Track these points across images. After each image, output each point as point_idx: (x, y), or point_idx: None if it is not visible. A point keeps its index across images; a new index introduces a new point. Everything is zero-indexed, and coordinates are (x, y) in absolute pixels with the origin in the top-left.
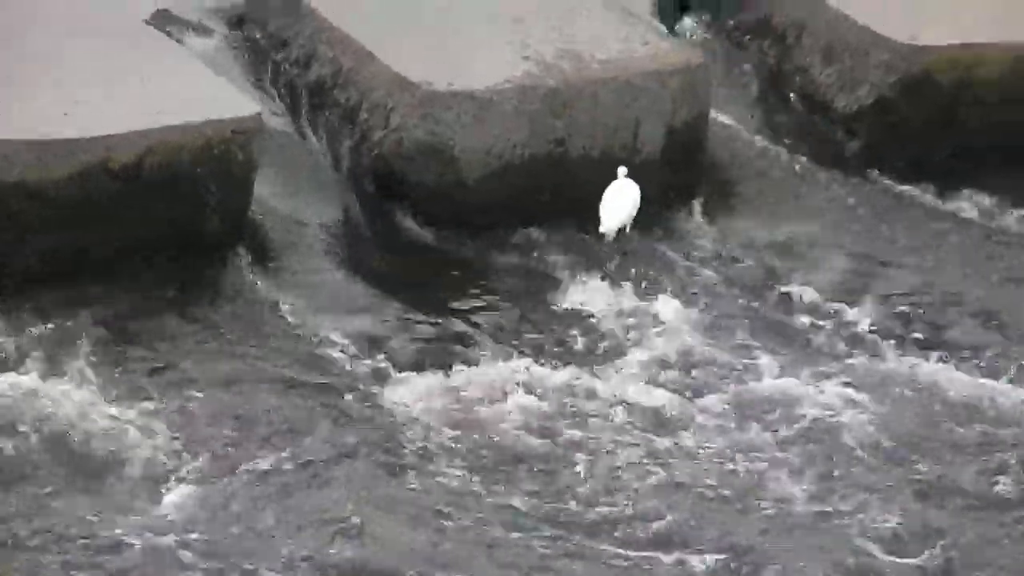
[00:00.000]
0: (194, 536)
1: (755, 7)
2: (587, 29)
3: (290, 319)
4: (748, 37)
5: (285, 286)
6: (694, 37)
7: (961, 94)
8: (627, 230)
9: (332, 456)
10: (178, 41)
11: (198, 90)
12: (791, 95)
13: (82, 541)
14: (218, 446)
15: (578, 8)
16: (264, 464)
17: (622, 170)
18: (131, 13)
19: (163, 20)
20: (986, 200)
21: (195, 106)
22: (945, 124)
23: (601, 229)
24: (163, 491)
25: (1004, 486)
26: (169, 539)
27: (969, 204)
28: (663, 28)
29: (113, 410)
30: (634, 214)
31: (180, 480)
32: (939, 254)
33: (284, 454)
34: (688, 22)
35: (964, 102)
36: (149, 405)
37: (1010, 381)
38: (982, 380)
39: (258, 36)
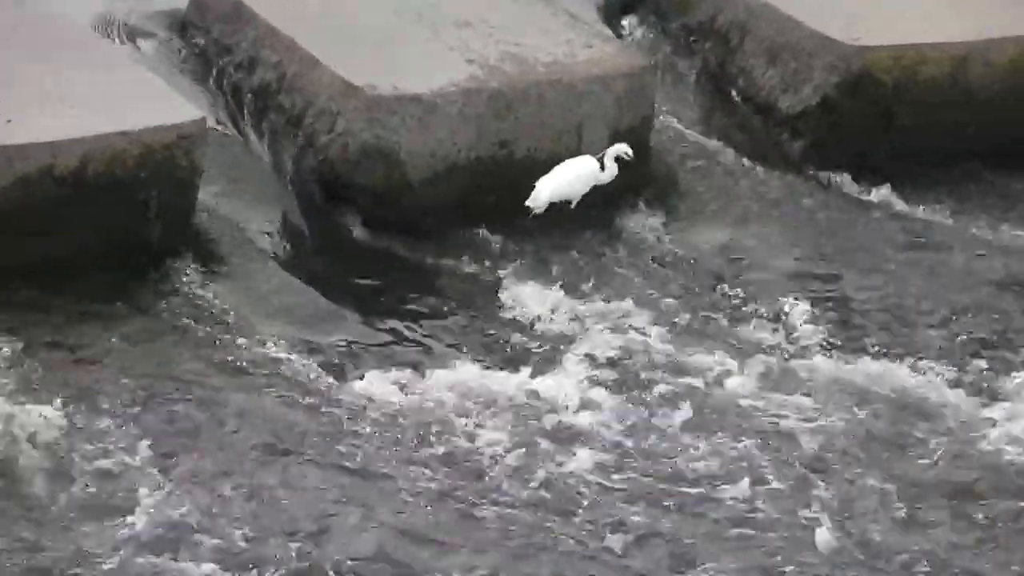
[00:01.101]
0: (142, 544)
1: (699, 9)
2: (531, 32)
3: (235, 325)
4: (692, 39)
5: (230, 292)
6: (639, 39)
7: (902, 94)
8: (573, 205)
9: (279, 460)
10: (121, 46)
11: (142, 95)
12: (735, 96)
13: (21, 552)
14: (164, 453)
15: (522, 12)
16: (211, 469)
17: (615, 149)
18: (73, 19)
19: (106, 25)
20: (928, 199)
21: (139, 111)
22: (887, 124)
23: (527, 201)
24: (107, 500)
25: (944, 483)
26: (117, 551)
27: (911, 204)
28: (608, 31)
29: (55, 419)
30: (577, 191)
31: (124, 490)
32: (882, 254)
33: (231, 460)
34: (632, 24)
35: (905, 102)
36: (94, 413)
37: (955, 381)
38: (926, 379)
39: (202, 41)
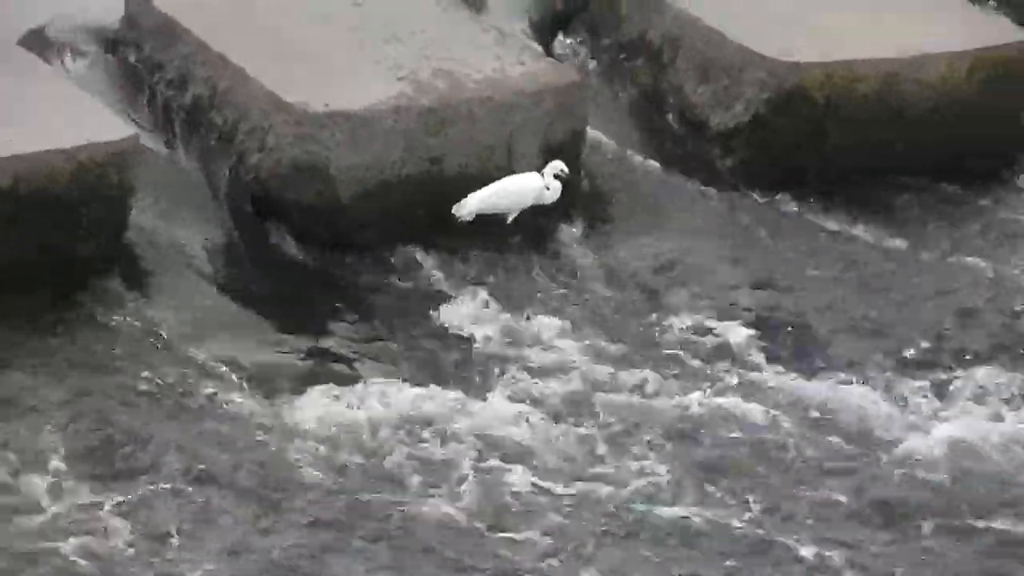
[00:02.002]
0: (73, 567)
1: (631, 25)
2: (462, 49)
3: (167, 343)
4: (624, 55)
5: (162, 310)
6: (570, 56)
7: (833, 111)
8: (509, 220)
9: (212, 480)
10: (51, 63)
11: (73, 113)
12: (667, 113)
13: None
14: (95, 475)
15: (452, 28)
16: (144, 491)
17: (552, 166)
18: (3, 35)
19: (36, 42)
20: (860, 216)
21: (70, 129)
22: (818, 140)
23: (453, 208)
24: (35, 524)
25: (882, 499)
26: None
27: (843, 220)
28: (539, 47)
29: None
30: (512, 206)
31: (55, 515)
32: (815, 270)
33: (164, 480)
34: (564, 41)
35: (836, 119)
36: (24, 433)
37: (887, 393)
38: (859, 392)
39: (133, 58)
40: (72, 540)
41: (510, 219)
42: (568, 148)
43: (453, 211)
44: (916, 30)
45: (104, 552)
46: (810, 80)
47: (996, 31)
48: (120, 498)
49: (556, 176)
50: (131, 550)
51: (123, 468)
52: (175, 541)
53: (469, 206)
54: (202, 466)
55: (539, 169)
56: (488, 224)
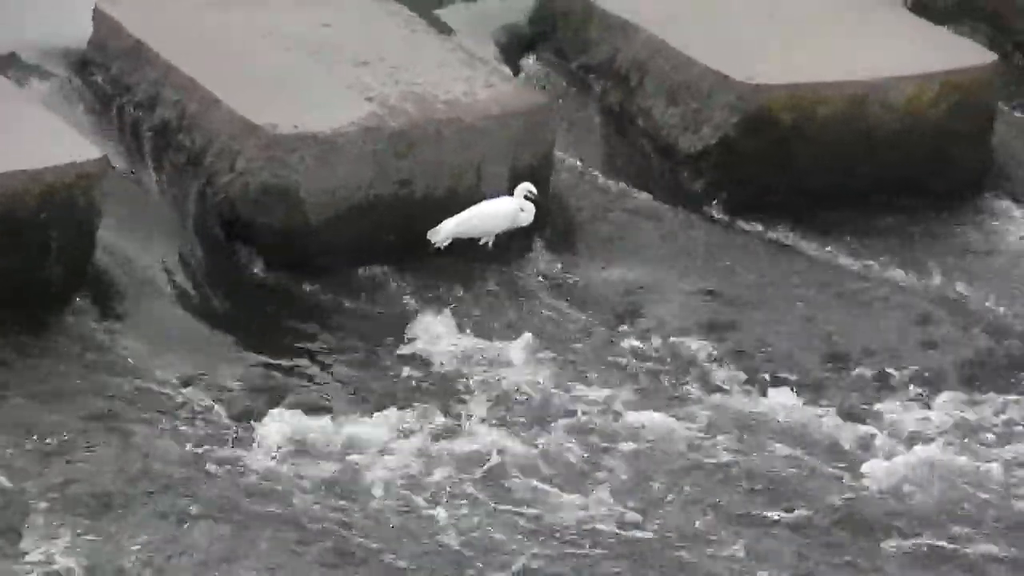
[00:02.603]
0: None
1: (599, 48)
2: (431, 71)
3: (134, 366)
4: (592, 78)
5: (130, 333)
6: (538, 79)
7: (800, 133)
8: (489, 245)
9: (180, 503)
10: (19, 85)
11: (40, 135)
12: (636, 136)
13: None
14: (64, 497)
15: (420, 50)
16: (110, 513)
17: (521, 188)
18: None
19: (3, 64)
20: (827, 238)
21: (37, 151)
22: (785, 163)
23: (428, 234)
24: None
25: (841, 520)
26: None
27: (811, 241)
28: (507, 70)
29: None
30: (487, 230)
31: (18, 538)
32: (783, 291)
33: (128, 499)
34: (532, 63)
35: (803, 141)
36: None
37: (850, 414)
38: (823, 413)
39: (102, 80)
40: (31, 561)
41: (489, 244)
42: (536, 170)
43: (428, 237)
44: (883, 53)
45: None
46: (777, 103)
47: (963, 54)
48: (84, 519)
49: (526, 197)
50: (92, 566)
51: (86, 488)
52: (140, 560)
53: (444, 231)
54: (167, 485)
55: (508, 191)
56: (456, 247)
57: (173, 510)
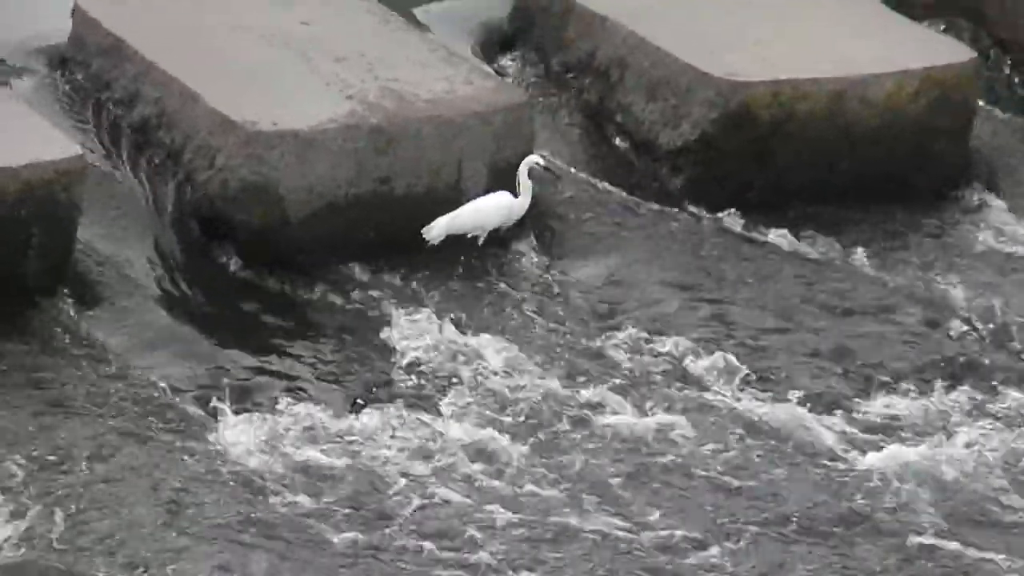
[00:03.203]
0: None
1: (578, 45)
2: (410, 69)
3: (115, 362)
4: (571, 75)
5: (109, 329)
6: (518, 76)
7: (780, 130)
8: (480, 240)
9: (160, 498)
10: None
11: (20, 132)
12: (615, 132)
13: None
14: (41, 492)
15: (399, 47)
16: (90, 509)
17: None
18: None
19: None
20: (807, 234)
21: (17, 148)
22: (765, 159)
23: (423, 230)
24: None
25: (826, 516)
26: None
27: (791, 238)
28: (486, 67)
29: None
30: (481, 225)
31: None
32: (760, 287)
33: (110, 498)
34: (511, 61)
35: (783, 137)
36: None
37: (832, 411)
38: (803, 411)
39: (81, 77)
40: (5, 553)
41: (480, 240)
42: (515, 167)
43: (422, 233)
44: (863, 49)
45: (39, 567)
46: (756, 99)
47: (943, 50)
48: (55, 513)
49: (532, 169)
50: (67, 566)
51: (62, 483)
52: (109, 554)
53: (439, 228)
54: (143, 481)
55: (488, 188)
56: (438, 244)
57: (145, 505)
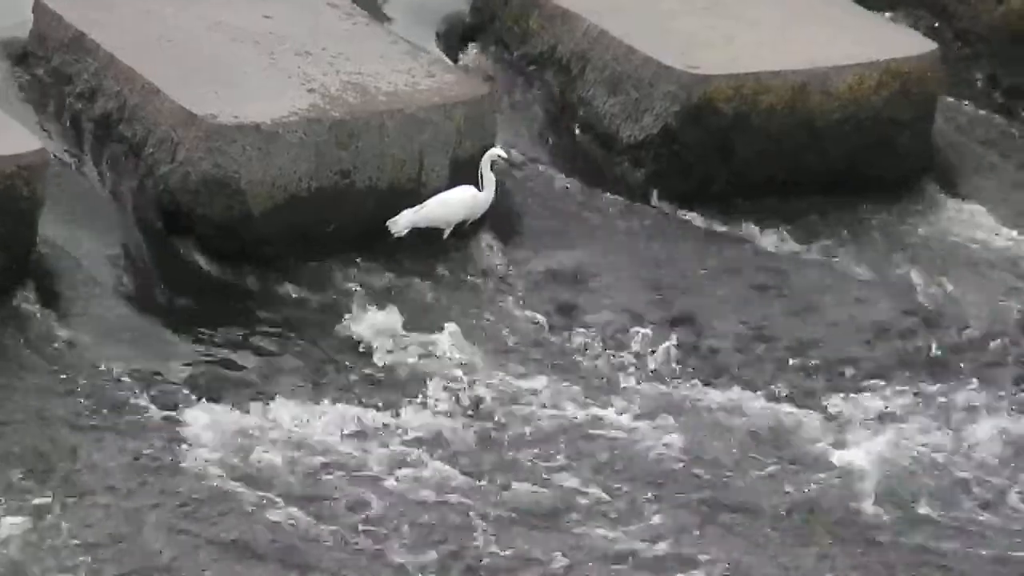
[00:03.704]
0: None
1: (540, 38)
2: (372, 62)
3: (77, 357)
4: (533, 68)
5: (72, 323)
6: (480, 69)
7: (742, 123)
8: (445, 234)
9: (124, 494)
10: None
11: None
12: (577, 125)
13: None
14: (4, 487)
15: (361, 41)
16: (53, 504)
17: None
18: None
19: None
20: (769, 228)
21: None
22: (727, 153)
23: (388, 222)
24: None
25: (793, 509)
26: None
27: (753, 232)
28: (448, 60)
29: None
30: (446, 219)
31: None
32: (723, 280)
33: (68, 492)
34: (474, 53)
35: (745, 131)
36: None
37: (796, 405)
38: (768, 403)
39: (42, 71)
40: None
41: (445, 234)
42: (478, 160)
43: (387, 226)
44: (824, 42)
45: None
46: (718, 92)
47: (904, 42)
48: (20, 512)
49: (495, 161)
50: (34, 562)
51: (25, 480)
52: (78, 552)
53: (403, 221)
54: (106, 478)
55: (451, 181)
56: (398, 238)
57: (111, 502)
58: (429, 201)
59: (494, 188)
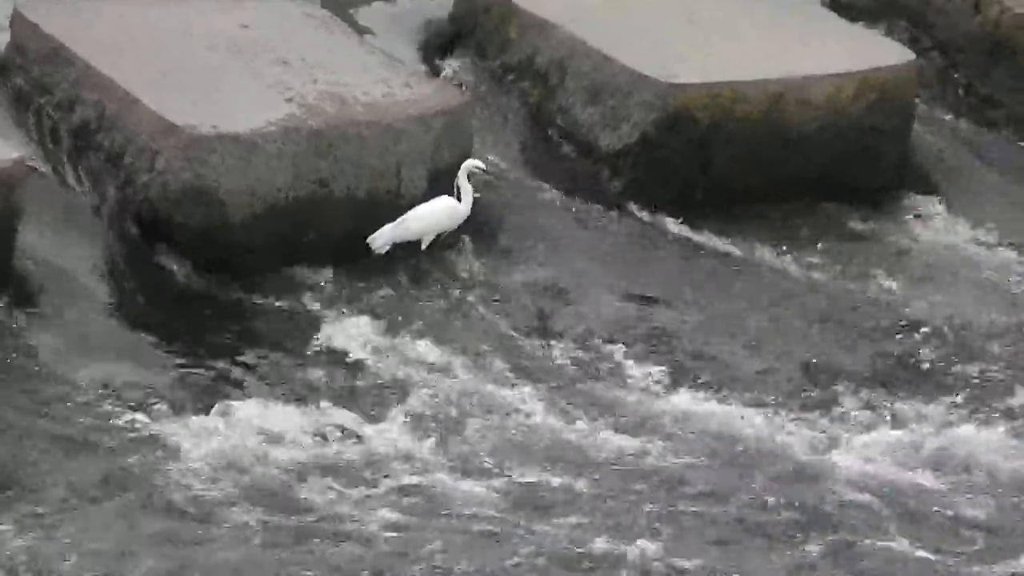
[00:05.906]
0: None
1: (518, 48)
2: (350, 72)
3: (55, 366)
4: (512, 78)
5: (50, 333)
6: (458, 79)
7: (719, 131)
8: (423, 245)
9: (101, 505)
10: None
11: None
12: (555, 134)
13: None
14: None
15: (339, 51)
16: (28, 513)
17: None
18: None
19: None
20: (746, 236)
21: None
22: (704, 161)
23: (368, 239)
24: None
25: (771, 519)
26: None
27: (730, 240)
28: (426, 70)
29: None
30: (425, 231)
31: None
32: (701, 290)
33: (44, 503)
34: (452, 63)
35: (721, 139)
36: None
37: (774, 414)
38: (745, 412)
39: (21, 81)
40: None
41: (424, 245)
42: (455, 170)
43: (368, 242)
44: (802, 51)
45: None
46: (695, 101)
47: (882, 52)
48: (13, 508)
49: (472, 172)
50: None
51: (10, 484)
52: (54, 566)
53: (383, 237)
54: (82, 490)
55: (428, 191)
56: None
57: (89, 515)
58: (408, 215)
59: (471, 199)
